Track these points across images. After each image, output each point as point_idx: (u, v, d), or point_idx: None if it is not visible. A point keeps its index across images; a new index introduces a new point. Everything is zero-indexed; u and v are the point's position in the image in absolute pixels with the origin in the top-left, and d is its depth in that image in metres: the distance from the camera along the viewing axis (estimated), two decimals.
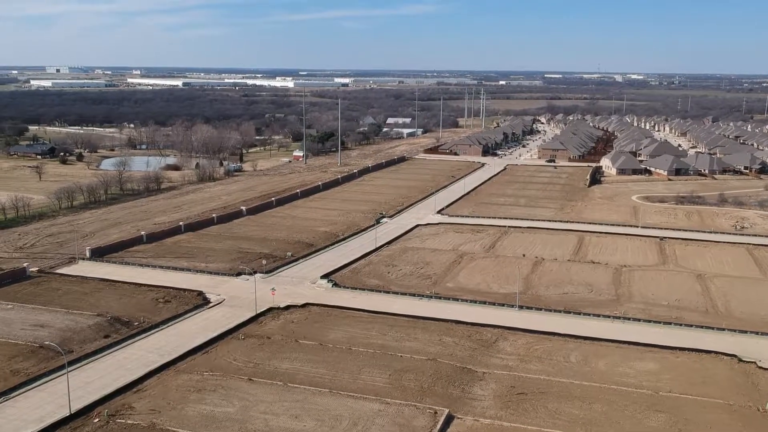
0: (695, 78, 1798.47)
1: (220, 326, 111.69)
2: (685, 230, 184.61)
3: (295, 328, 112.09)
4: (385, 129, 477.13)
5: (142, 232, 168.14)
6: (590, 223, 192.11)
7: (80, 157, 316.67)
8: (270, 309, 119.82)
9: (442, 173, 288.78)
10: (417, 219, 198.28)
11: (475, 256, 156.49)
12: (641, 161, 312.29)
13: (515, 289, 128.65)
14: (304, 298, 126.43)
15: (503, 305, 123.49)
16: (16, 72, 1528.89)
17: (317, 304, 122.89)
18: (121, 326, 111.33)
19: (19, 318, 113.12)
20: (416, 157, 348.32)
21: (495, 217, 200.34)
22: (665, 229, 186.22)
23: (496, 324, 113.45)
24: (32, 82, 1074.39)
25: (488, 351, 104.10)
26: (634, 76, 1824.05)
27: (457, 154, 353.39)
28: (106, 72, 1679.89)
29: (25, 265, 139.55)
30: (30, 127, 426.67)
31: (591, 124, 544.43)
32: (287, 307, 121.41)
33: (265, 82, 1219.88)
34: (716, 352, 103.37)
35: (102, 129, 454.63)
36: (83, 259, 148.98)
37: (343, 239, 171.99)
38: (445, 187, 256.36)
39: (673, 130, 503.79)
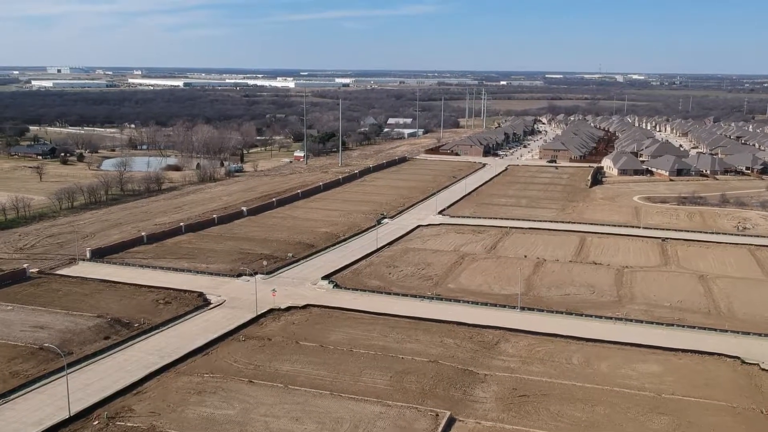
0: (696, 78, 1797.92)
1: (221, 328, 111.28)
2: (687, 231, 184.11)
3: (295, 330, 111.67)
4: (386, 129, 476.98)
5: (143, 233, 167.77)
6: (592, 224, 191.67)
7: (81, 158, 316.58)
8: (271, 310, 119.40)
9: (443, 174, 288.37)
10: (418, 220, 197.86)
11: (476, 257, 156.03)
12: (643, 162, 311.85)
13: (517, 290, 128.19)
14: (305, 299, 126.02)
15: (505, 306, 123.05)
16: (17, 72, 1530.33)
17: (318, 306, 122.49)
18: (122, 328, 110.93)
19: (18, 319, 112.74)
20: (417, 157, 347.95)
21: (496, 218, 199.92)
22: (667, 229, 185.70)
23: (497, 325, 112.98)
24: (33, 82, 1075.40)
25: (490, 353, 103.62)
26: (635, 77, 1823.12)
27: (458, 155, 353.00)
28: (107, 72, 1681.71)
29: (25, 266, 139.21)
30: (31, 128, 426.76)
31: (592, 124, 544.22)
32: (288, 309, 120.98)
33: (266, 83, 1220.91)
34: (719, 354, 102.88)
35: (103, 129, 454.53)
36: (83, 260, 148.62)
37: (344, 240, 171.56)
38: (447, 187, 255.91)
39: (674, 131, 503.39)
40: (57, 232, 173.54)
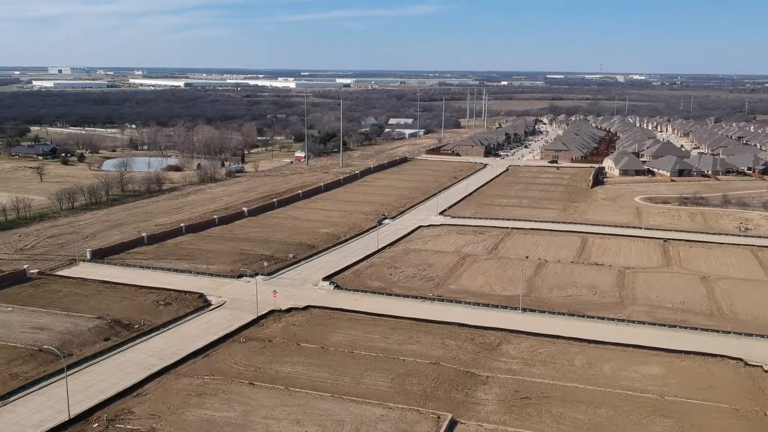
0: (697, 78, 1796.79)
1: (221, 329, 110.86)
2: (689, 232, 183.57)
3: (296, 331, 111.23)
4: (387, 130, 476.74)
5: (143, 234, 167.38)
6: (593, 225, 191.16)
7: (82, 158, 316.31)
8: (271, 311, 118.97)
9: (444, 174, 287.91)
10: (419, 220, 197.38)
11: (477, 258, 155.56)
12: (644, 162, 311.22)
13: (518, 291, 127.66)
14: (306, 300, 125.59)
15: (506, 308, 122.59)
16: (18, 73, 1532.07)
17: (319, 307, 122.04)
18: (122, 329, 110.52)
19: (18, 320, 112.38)
20: (418, 157, 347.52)
21: (497, 219, 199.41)
22: (669, 230, 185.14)
23: (499, 327, 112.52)
24: (34, 82, 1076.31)
25: (491, 354, 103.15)
26: (636, 77, 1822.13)
27: (459, 155, 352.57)
28: (108, 73, 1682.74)
29: (25, 266, 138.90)
30: (32, 128, 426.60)
31: (593, 124, 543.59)
32: (289, 310, 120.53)
33: (267, 83, 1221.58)
34: (722, 356, 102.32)
35: (104, 130, 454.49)
36: (84, 260, 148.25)
37: (345, 241, 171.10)
38: (448, 188, 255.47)
39: (675, 131, 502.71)
40: (57, 233, 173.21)
